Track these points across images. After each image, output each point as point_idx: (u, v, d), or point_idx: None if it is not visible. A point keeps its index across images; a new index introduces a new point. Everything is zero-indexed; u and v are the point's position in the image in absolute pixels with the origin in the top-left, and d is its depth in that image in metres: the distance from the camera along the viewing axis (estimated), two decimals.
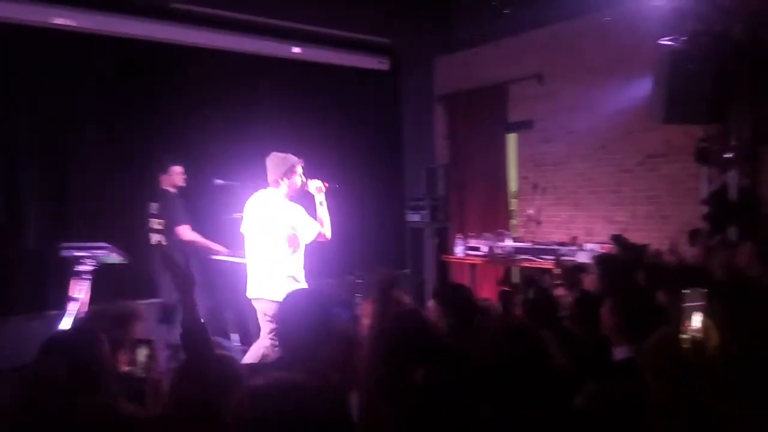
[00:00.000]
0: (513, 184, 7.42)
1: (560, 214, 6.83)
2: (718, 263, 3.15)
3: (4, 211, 5.38)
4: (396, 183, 7.90)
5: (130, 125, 5.86)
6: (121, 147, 5.82)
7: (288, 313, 2.27)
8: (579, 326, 3.06)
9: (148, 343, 2.73)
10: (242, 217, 4.29)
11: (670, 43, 4.91)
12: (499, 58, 7.32)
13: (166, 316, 5.05)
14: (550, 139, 6.88)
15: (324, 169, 7.21)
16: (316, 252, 6.70)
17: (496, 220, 7.36)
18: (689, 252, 5.02)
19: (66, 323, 3.84)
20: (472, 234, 7.20)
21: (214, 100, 6.30)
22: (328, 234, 4.25)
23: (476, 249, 6.96)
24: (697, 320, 1.62)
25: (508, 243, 6.70)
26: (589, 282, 3.50)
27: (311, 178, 4.25)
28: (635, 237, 5.72)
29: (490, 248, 6.78)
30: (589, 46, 6.39)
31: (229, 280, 5.38)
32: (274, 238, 4.06)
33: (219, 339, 5.04)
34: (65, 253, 4.24)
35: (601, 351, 2.64)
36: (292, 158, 4.15)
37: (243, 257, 5.01)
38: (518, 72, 7.05)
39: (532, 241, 6.66)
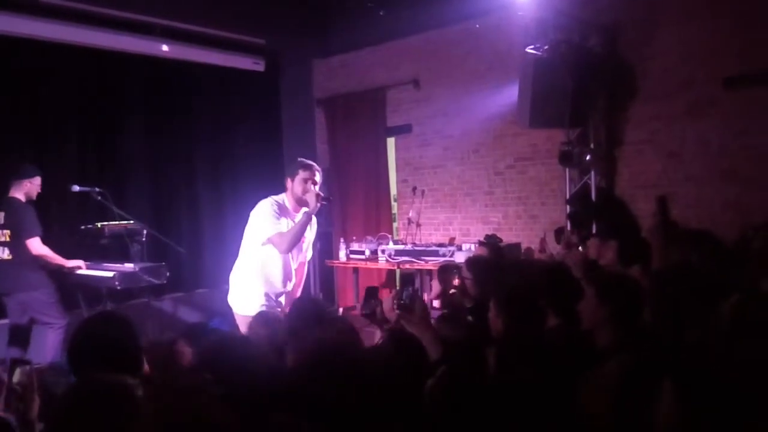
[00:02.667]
0: (393, 187, 7.49)
1: (438, 216, 6.99)
2: (571, 262, 3.30)
3: None
4: (276, 187, 7.68)
5: None
6: None
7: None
8: (454, 329, 3.08)
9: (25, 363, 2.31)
10: None
11: (534, 51, 5.14)
12: (376, 62, 7.38)
13: (16, 337, 4.55)
14: (428, 143, 7.03)
15: (201, 175, 6.98)
16: (191, 259, 6.44)
17: (378, 223, 7.41)
18: (556, 249, 5.31)
19: None
20: (355, 237, 7.18)
21: (73, 101, 5.79)
22: (282, 248, 3.59)
23: (359, 252, 6.95)
24: None
25: (390, 246, 6.74)
26: (460, 283, 3.55)
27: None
28: (507, 236, 5.99)
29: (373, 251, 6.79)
30: (462, 53, 6.60)
31: (91, 295, 4.98)
32: (242, 246, 3.76)
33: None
34: None
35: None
36: (302, 162, 3.75)
37: (104, 270, 4.66)
38: (395, 77, 7.15)
39: (413, 243, 6.74)
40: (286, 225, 3.62)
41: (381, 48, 7.28)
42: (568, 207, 5.71)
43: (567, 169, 5.74)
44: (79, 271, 4.70)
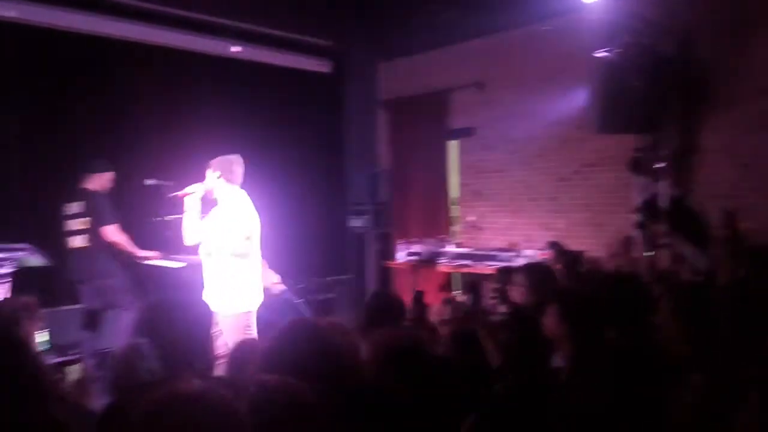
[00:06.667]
0: (454, 190, 7.46)
1: (500, 220, 6.91)
2: (645, 269, 3.20)
3: None
4: (338, 187, 7.81)
5: (49, 122, 5.51)
6: (39, 144, 5.47)
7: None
8: (510, 334, 3.05)
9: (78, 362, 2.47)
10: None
11: (605, 54, 5.01)
12: (440, 65, 7.37)
13: (89, 322, 4.78)
14: (491, 146, 6.96)
15: (264, 173, 7.13)
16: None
17: (437, 225, 7.39)
18: (624, 258, 5.15)
19: None
20: (414, 239, 7.19)
21: (146, 98, 6.06)
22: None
23: (418, 254, 6.95)
24: None
25: (450, 249, 6.72)
26: (516, 291, 3.49)
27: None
28: (571, 244, 5.82)
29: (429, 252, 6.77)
30: (527, 56, 6.50)
31: (160, 285, 5.17)
32: None
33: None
34: None
35: (540, 357, 2.63)
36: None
37: (175, 261, 4.84)
38: (459, 80, 7.11)
39: (473, 247, 6.70)
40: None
41: (446, 50, 7.26)
42: (636, 215, 5.53)
43: (636, 177, 5.56)
44: (151, 261, 4.90)
